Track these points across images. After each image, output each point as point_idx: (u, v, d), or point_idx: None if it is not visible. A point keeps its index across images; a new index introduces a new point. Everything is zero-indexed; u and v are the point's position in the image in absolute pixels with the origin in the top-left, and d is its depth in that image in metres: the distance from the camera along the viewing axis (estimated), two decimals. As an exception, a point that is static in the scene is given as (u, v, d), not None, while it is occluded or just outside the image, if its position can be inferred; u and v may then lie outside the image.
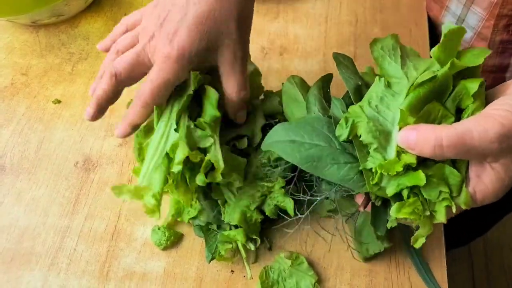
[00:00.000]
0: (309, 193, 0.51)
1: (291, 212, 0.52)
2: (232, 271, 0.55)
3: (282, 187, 0.53)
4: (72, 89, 0.70)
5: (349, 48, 0.74)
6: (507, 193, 0.98)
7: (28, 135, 0.66)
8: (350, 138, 0.43)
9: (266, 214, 0.53)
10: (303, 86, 0.56)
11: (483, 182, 0.39)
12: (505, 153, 0.37)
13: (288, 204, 0.52)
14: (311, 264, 0.55)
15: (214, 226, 0.55)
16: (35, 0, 0.69)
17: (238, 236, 0.52)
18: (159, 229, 0.57)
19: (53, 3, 0.71)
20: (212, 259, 0.54)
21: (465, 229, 1.15)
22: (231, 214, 0.52)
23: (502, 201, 1.01)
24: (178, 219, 0.57)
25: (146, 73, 0.48)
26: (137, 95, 0.48)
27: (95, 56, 0.73)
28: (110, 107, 0.52)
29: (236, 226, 0.53)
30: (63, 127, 0.67)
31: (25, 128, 0.67)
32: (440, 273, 0.55)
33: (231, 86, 0.49)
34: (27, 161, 0.64)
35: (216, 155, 0.48)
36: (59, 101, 0.69)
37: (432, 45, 0.74)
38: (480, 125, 0.36)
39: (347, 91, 0.49)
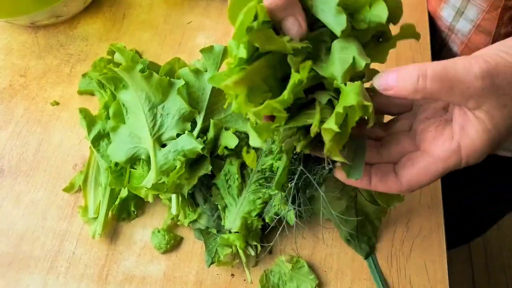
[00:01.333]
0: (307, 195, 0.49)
1: (291, 221, 0.51)
2: (232, 274, 0.55)
3: (284, 196, 0.52)
4: (71, 90, 0.70)
5: (349, 49, 0.73)
6: (507, 192, 0.97)
7: (27, 137, 0.66)
8: None
9: (266, 221, 0.53)
10: None
11: (468, 134, 0.36)
12: (488, 95, 0.34)
13: (290, 213, 0.51)
14: (311, 268, 0.54)
15: (214, 230, 0.55)
16: (34, 2, 0.68)
17: (237, 241, 0.51)
18: (159, 232, 0.56)
19: (52, 4, 0.70)
20: (211, 263, 0.53)
21: (465, 229, 1.15)
22: (232, 220, 0.52)
23: (501, 200, 1.00)
24: (178, 223, 0.57)
25: None
26: None
27: (93, 57, 0.73)
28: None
29: (236, 231, 0.53)
30: (61, 129, 0.66)
31: (24, 130, 0.66)
32: (441, 273, 0.55)
33: None
34: (25, 163, 0.63)
35: None
36: (57, 103, 0.69)
37: (432, 43, 0.74)
38: (466, 60, 0.34)
39: None
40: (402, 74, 0.35)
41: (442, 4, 0.73)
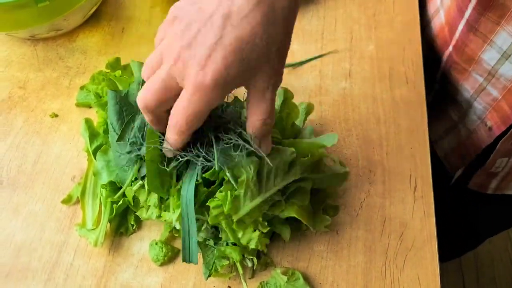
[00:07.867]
0: None
1: (286, 239, 0.53)
2: (229, 287, 0.56)
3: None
4: (69, 103, 0.71)
5: (344, 64, 0.75)
6: (503, 214, 0.97)
7: (25, 149, 0.66)
8: None
9: None
10: None
11: None
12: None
13: (284, 231, 0.53)
14: (307, 280, 0.55)
15: (212, 242, 0.56)
16: (35, 17, 0.69)
17: (234, 253, 0.52)
18: (156, 244, 0.57)
19: (53, 19, 0.71)
20: (209, 275, 0.54)
21: (457, 243, 1.16)
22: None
23: (497, 218, 1.01)
24: (175, 235, 0.58)
25: (178, 96, 0.43)
26: (170, 122, 0.44)
27: (92, 70, 0.74)
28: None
29: (233, 243, 0.54)
30: (60, 141, 0.67)
31: (22, 142, 0.67)
32: (434, 285, 0.56)
33: (258, 113, 0.45)
34: (24, 175, 0.64)
35: None
36: (56, 115, 0.69)
37: (425, 64, 0.75)
38: None
39: None
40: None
41: (486, 46, 0.68)
